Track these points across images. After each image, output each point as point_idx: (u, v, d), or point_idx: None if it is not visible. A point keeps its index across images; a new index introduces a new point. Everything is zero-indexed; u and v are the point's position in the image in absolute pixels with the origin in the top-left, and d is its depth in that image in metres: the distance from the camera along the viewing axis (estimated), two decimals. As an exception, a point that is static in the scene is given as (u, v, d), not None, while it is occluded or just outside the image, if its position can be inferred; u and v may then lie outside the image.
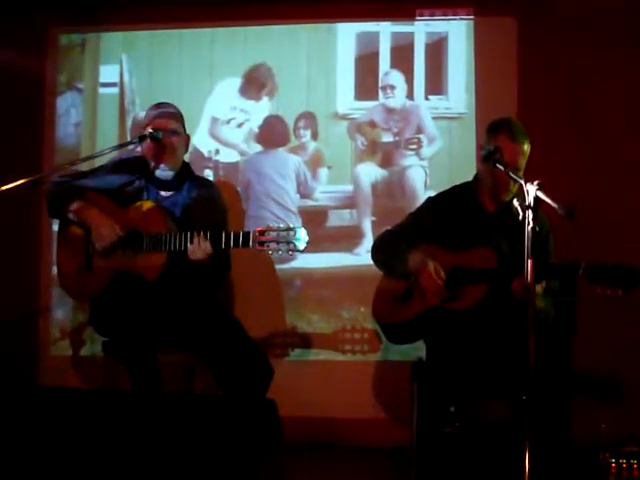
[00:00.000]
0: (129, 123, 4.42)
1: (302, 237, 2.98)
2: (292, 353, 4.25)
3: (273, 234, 2.98)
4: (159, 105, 3.44)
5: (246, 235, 3.04)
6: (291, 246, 2.97)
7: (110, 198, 3.34)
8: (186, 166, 3.49)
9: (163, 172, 3.37)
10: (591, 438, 3.39)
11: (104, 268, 3.26)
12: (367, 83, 4.34)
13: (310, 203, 4.32)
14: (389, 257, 3.35)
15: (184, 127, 3.45)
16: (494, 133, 3.24)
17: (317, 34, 4.37)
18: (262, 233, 2.99)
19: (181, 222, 3.28)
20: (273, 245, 2.98)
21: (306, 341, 4.25)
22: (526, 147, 3.20)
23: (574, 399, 3.12)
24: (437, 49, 4.30)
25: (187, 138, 3.48)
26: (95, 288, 3.26)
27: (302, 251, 3.00)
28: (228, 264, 3.40)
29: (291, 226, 2.99)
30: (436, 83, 4.29)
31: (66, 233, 3.40)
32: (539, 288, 3.01)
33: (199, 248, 3.09)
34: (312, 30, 4.37)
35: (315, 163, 4.34)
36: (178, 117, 3.42)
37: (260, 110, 4.40)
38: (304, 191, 4.33)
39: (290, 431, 3.23)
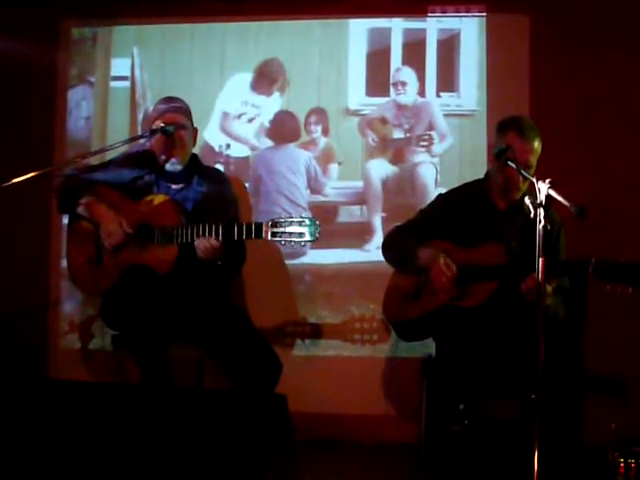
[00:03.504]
0: (140, 117, 4.42)
1: (314, 228, 2.98)
2: (301, 344, 4.24)
3: (285, 225, 2.99)
4: (167, 99, 3.44)
5: (258, 226, 3.04)
6: (303, 237, 2.98)
7: (121, 192, 3.34)
8: (194, 157, 3.49)
9: (172, 166, 3.37)
10: (600, 438, 3.37)
11: (115, 263, 3.26)
12: (378, 79, 4.33)
13: (320, 199, 4.31)
14: (400, 253, 3.35)
15: (192, 121, 3.45)
16: (504, 131, 3.22)
17: (329, 30, 4.36)
18: (274, 224, 3.00)
19: (193, 217, 3.27)
20: (285, 236, 2.99)
21: (316, 331, 4.23)
22: (537, 145, 3.17)
23: (584, 399, 3.11)
24: (449, 46, 4.28)
25: (195, 131, 3.48)
26: (106, 282, 3.27)
27: (313, 241, 3.01)
28: (243, 255, 3.41)
29: (303, 216, 3.00)
30: (448, 80, 4.28)
31: (76, 227, 3.40)
32: (548, 287, 2.99)
33: (204, 249, 3.09)
34: (324, 26, 4.36)
35: (326, 159, 4.34)
36: (186, 111, 3.42)
37: (271, 105, 4.39)
38: (314, 187, 4.32)
39: (298, 427, 3.23)
